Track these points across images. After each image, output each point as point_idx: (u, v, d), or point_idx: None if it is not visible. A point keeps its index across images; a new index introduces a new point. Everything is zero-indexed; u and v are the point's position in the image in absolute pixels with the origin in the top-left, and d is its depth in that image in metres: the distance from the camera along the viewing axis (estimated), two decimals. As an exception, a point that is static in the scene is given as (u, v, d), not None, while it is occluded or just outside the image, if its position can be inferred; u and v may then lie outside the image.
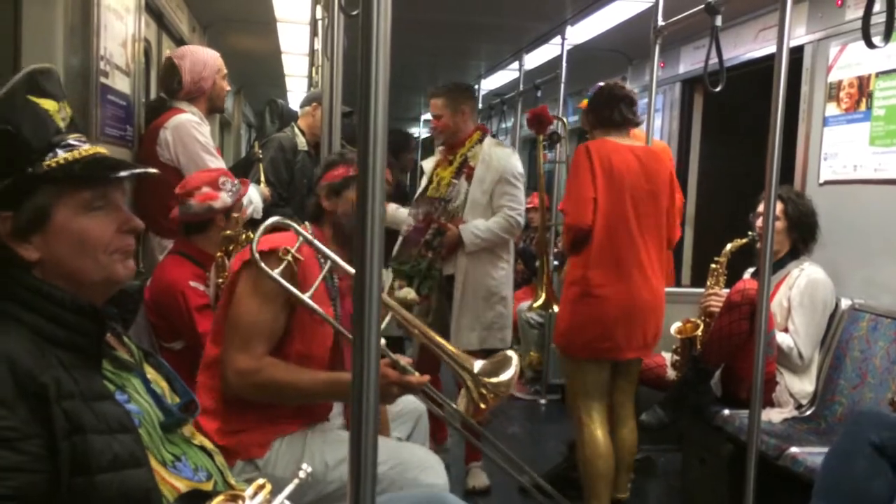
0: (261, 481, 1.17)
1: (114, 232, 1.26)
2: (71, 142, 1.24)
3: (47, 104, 1.23)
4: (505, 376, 1.87)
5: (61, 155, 1.21)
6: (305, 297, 1.86)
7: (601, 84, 3.05)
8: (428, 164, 3.59)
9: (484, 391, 1.85)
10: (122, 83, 2.86)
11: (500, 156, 3.34)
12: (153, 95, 3.65)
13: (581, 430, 2.94)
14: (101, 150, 1.29)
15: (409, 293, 3.17)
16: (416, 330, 1.91)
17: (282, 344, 1.93)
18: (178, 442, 1.33)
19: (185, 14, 4.41)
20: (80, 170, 1.22)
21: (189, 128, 2.94)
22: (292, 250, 1.90)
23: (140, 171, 1.34)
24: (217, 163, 2.96)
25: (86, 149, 1.24)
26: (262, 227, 1.89)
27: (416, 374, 1.88)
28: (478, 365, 1.88)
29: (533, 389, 5.04)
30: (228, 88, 3.26)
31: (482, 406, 1.87)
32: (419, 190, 3.56)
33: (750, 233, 3.24)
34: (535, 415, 4.81)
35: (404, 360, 1.87)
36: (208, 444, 1.44)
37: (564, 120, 4.63)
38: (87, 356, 1.19)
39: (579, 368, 2.95)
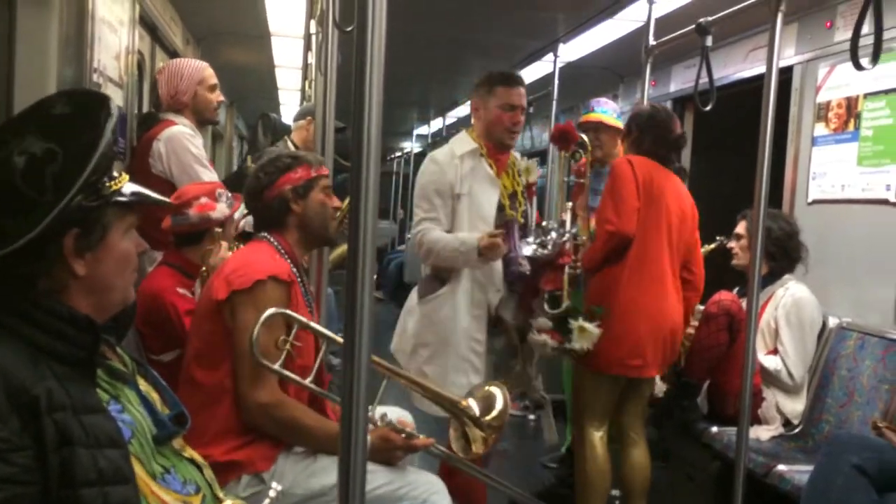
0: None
1: (135, 254, 1.33)
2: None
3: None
4: (499, 407, 1.99)
5: (116, 179, 1.26)
6: (311, 323, 1.90)
7: (664, 113, 3.03)
8: (448, 161, 2.83)
9: (487, 431, 1.97)
10: (115, 95, 2.86)
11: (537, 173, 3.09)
12: (146, 108, 3.65)
13: (584, 445, 2.93)
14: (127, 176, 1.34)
15: (591, 331, 2.75)
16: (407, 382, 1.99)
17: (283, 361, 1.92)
18: (168, 454, 1.33)
19: (179, 27, 4.42)
20: (130, 194, 1.28)
21: (182, 139, 2.93)
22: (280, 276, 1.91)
23: (163, 201, 1.46)
24: (210, 175, 2.96)
25: (121, 177, 1.29)
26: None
27: (421, 437, 1.97)
28: (473, 407, 1.98)
29: (522, 405, 5.03)
30: (221, 100, 3.22)
31: (486, 445, 1.98)
32: (476, 203, 2.83)
33: (718, 238, 3.28)
34: (524, 431, 4.80)
35: (409, 427, 1.94)
36: (198, 458, 1.43)
37: (585, 138, 4.65)
38: (83, 368, 1.20)
39: (596, 383, 2.91)
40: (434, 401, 2.07)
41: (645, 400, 3.04)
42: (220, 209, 2.53)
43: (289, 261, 2.04)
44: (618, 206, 2.81)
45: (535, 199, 3.02)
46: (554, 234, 2.81)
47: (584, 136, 4.49)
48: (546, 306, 2.74)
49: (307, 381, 1.89)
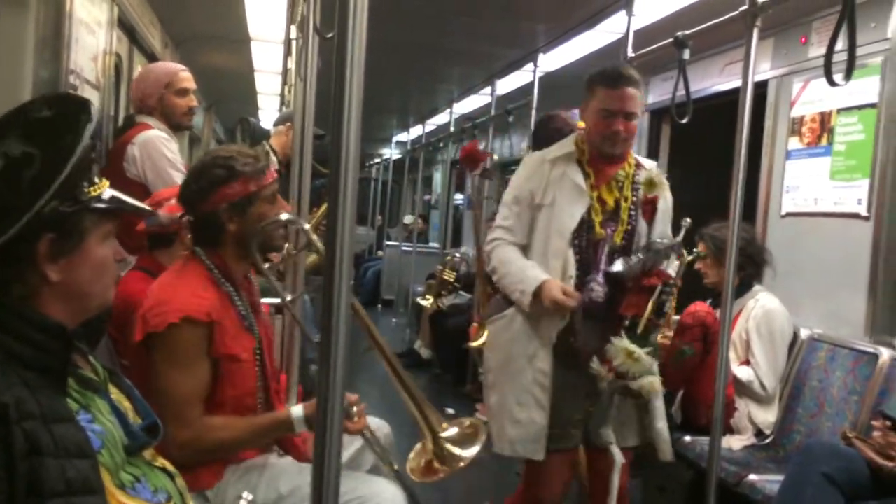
0: None
1: (114, 261, 1.32)
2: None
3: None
4: (467, 453, 1.99)
5: (98, 184, 1.26)
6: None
7: (543, 119, 3.11)
8: (536, 165, 2.52)
9: (439, 460, 1.96)
10: (91, 98, 2.84)
11: (668, 187, 2.57)
12: (123, 111, 3.62)
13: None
14: (107, 182, 1.33)
15: (642, 362, 2.35)
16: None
17: (214, 393, 1.89)
18: (139, 464, 1.31)
19: (158, 30, 4.39)
20: (108, 201, 1.27)
21: (157, 143, 2.90)
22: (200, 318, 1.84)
23: (143, 209, 1.44)
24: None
25: (100, 183, 1.28)
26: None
27: (359, 418, 1.98)
28: (451, 430, 1.98)
29: (498, 413, 5.02)
30: (193, 105, 3.14)
31: (433, 470, 1.98)
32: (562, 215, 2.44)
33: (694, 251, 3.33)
34: (499, 439, 4.79)
35: (351, 399, 1.90)
36: (169, 466, 1.42)
37: (494, 156, 4.72)
38: (53, 376, 1.18)
39: None
40: (415, 409, 2.03)
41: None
42: (163, 217, 2.51)
43: (222, 280, 1.95)
44: None
45: (658, 219, 2.51)
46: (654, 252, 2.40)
47: (494, 156, 4.55)
48: (623, 335, 2.36)
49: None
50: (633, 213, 2.47)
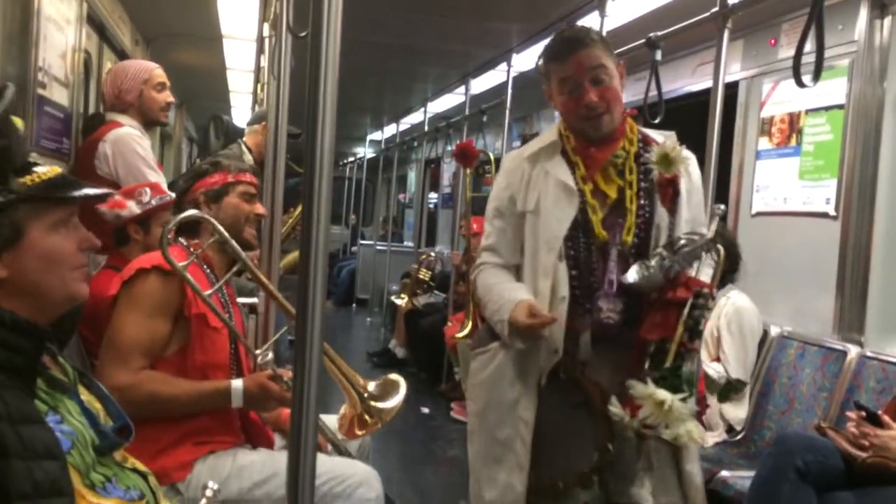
0: None
1: (75, 249, 1.27)
2: (31, 161, 1.24)
3: (18, 122, 1.23)
4: (392, 402, 1.99)
5: (36, 173, 1.21)
6: (208, 294, 1.91)
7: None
8: (513, 167, 2.06)
9: (369, 415, 1.95)
10: (60, 95, 2.80)
11: (694, 161, 2.04)
12: (93, 108, 3.57)
13: None
14: (59, 169, 1.29)
15: (679, 414, 1.73)
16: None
17: (183, 356, 1.93)
18: (110, 464, 1.30)
19: (128, 27, 4.33)
20: (49, 189, 1.22)
21: (129, 141, 2.87)
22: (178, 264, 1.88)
23: (103, 193, 1.34)
24: (157, 177, 2.90)
25: (46, 169, 1.24)
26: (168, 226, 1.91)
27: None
28: (370, 386, 1.98)
29: (473, 412, 5.03)
30: (170, 101, 3.15)
31: (361, 430, 1.97)
32: (551, 215, 1.96)
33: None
34: (474, 438, 4.80)
35: (287, 376, 1.89)
36: (141, 466, 1.40)
37: (490, 154, 4.76)
38: (21, 377, 1.16)
39: None
40: (335, 373, 2.02)
41: None
42: (130, 207, 2.49)
43: (202, 264, 2.03)
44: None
45: (683, 205, 1.94)
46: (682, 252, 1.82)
47: (491, 154, 4.58)
48: (647, 363, 1.81)
49: (207, 293, 1.91)
50: (643, 202, 1.94)
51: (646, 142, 2.01)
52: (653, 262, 1.82)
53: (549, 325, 1.84)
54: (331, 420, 2.19)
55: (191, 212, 2.00)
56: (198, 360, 1.93)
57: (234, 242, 1.99)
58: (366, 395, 1.98)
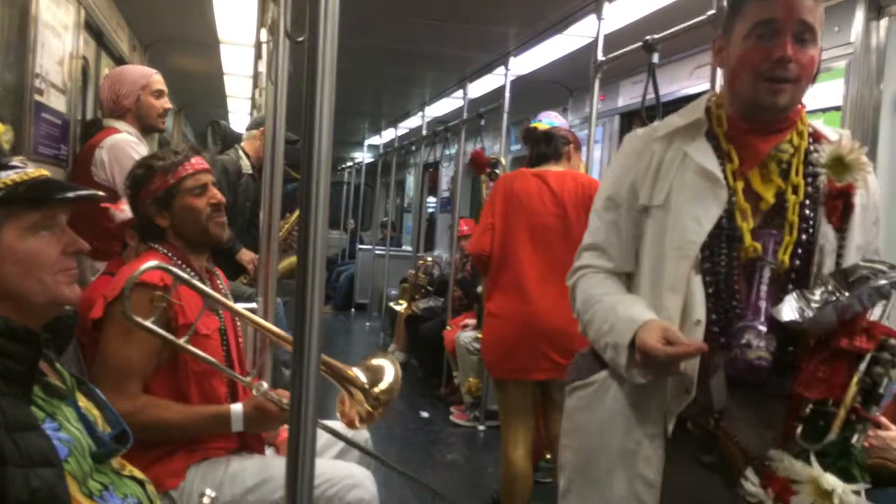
0: None
1: (59, 253, 1.26)
2: (15, 164, 1.22)
3: None
4: (390, 380, 1.92)
5: (8, 177, 1.21)
6: (182, 342, 1.84)
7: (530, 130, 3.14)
8: (639, 148, 1.62)
9: (376, 403, 1.90)
10: (57, 101, 2.80)
11: (871, 169, 1.57)
12: (91, 114, 3.57)
13: (502, 449, 2.97)
14: (46, 172, 1.27)
15: None
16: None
17: (176, 366, 1.91)
18: (108, 472, 1.29)
19: (126, 33, 4.34)
20: (24, 192, 1.21)
21: (126, 147, 2.87)
22: (167, 295, 1.84)
23: (86, 194, 1.32)
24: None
25: (31, 171, 1.23)
26: (134, 274, 1.80)
27: None
28: (361, 376, 1.93)
29: (472, 416, 5.04)
30: (168, 107, 3.15)
31: (368, 421, 1.91)
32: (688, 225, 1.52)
33: None
34: (473, 442, 4.81)
35: (286, 397, 1.87)
36: (139, 474, 1.40)
37: (502, 159, 4.80)
38: (18, 383, 1.16)
39: (500, 388, 3.02)
40: (331, 377, 1.99)
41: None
42: (125, 210, 2.47)
43: (183, 267, 1.99)
44: (478, 225, 3.03)
45: (856, 225, 1.50)
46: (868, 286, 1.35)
47: (502, 160, 4.63)
48: (799, 429, 1.35)
49: (182, 341, 1.82)
50: (809, 214, 1.50)
51: (816, 138, 1.56)
52: (817, 295, 1.38)
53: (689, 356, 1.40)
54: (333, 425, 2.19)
55: (149, 264, 1.85)
56: (191, 369, 1.92)
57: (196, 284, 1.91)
58: (369, 388, 1.95)
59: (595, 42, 3.53)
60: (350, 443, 2.16)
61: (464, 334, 5.07)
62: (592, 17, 3.60)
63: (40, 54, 2.49)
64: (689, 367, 1.44)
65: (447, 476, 4.01)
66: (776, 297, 1.44)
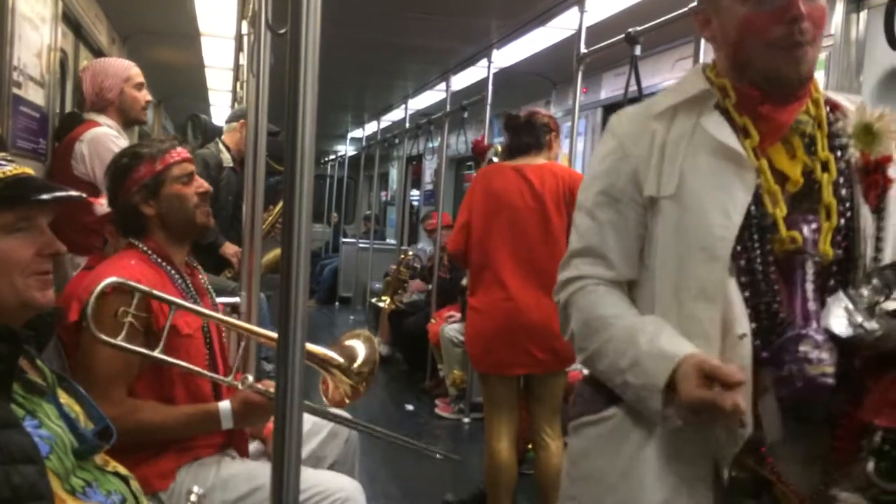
0: None
1: (33, 255, 1.23)
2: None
3: None
4: (363, 355, 1.94)
5: None
6: (158, 353, 1.79)
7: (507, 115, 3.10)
8: (636, 129, 1.35)
9: (359, 378, 1.92)
10: (35, 95, 2.76)
11: None
12: (69, 107, 3.53)
13: (487, 441, 2.98)
14: (28, 170, 1.25)
15: None
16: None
17: (162, 370, 1.86)
18: (90, 469, 1.28)
19: (105, 25, 4.29)
20: (4, 189, 1.19)
21: (106, 141, 2.84)
22: (130, 311, 1.76)
23: (65, 195, 1.30)
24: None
25: (10, 169, 1.21)
26: (95, 291, 1.73)
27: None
28: (337, 356, 1.93)
29: (456, 408, 5.05)
30: (149, 99, 3.13)
31: (357, 394, 1.94)
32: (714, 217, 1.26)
33: None
34: (458, 434, 4.82)
35: (270, 387, 1.85)
36: (122, 470, 1.39)
37: (498, 146, 4.82)
38: None
39: (484, 381, 3.04)
40: (316, 366, 1.98)
41: (553, 400, 2.98)
42: (103, 204, 2.46)
43: (161, 262, 1.95)
44: (455, 224, 3.05)
45: (890, 204, 1.28)
46: None
47: (498, 146, 4.66)
48: (871, 465, 1.10)
49: (157, 352, 1.77)
50: (845, 194, 1.27)
51: (833, 106, 1.35)
52: (865, 295, 1.16)
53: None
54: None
55: (106, 281, 1.75)
56: (176, 371, 1.88)
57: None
58: (348, 366, 1.94)
59: (578, 34, 3.54)
60: (337, 419, 2.13)
61: (448, 327, 5.07)
62: (575, 10, 3.60)
63: (18, 47, 2.46)
64: (742, 399, 1.13)
65: (432, 468, 4.01)
66: (820, 299, 1.21)
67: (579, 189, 1.43)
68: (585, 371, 1.48)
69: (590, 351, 1.31)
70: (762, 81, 1.27)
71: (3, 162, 1.23)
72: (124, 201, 1.96)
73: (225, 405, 1.87)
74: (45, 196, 1.25)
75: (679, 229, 1.26)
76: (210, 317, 1.91)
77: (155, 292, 1.80)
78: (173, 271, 1.97)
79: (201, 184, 2.05)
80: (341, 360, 1.94)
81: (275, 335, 1.44)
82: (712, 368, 1.13)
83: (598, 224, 1.34)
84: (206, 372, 1.88)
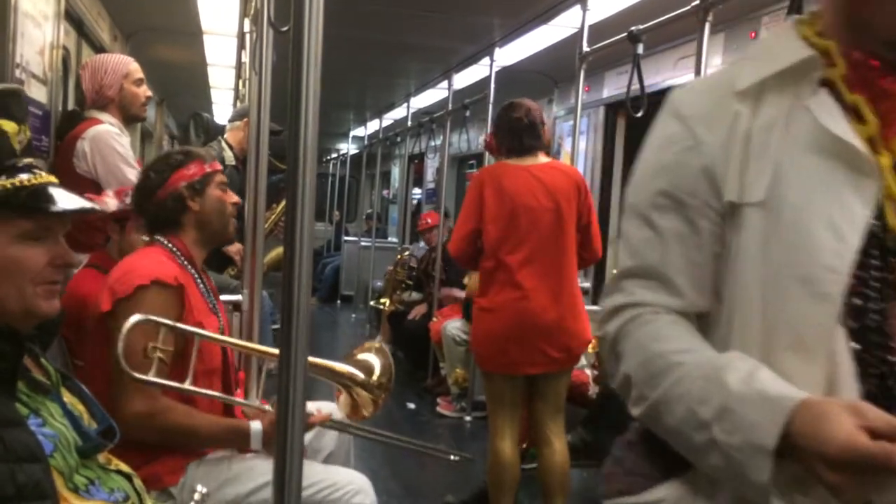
0: None
1: (45, 264, 1.23)
2: (22, 166, 1.20)
3: (7, 125, 1.20)
4: (379, 367, 1.99)
5: (8, 180, 1.18)
6: (188, 384, 1.81)
7: (503, 108, 3.03)
8: (711, 108, 1.00)
9: (377, 392, 1.97)
10: (38, 92, 2.76)
11: None
12: (71, 105, 3.53)
13: (490, 439, 2.98)
14: (52, 178, 1.25)
15: None
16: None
17: (186, 367, 1.86)
18: (94, 467, 1.29)
19: (107, 22, 4.29)
20: (25, 198, 1.19)
21: (108, 138, 2.84)
22: (158, 346, 1.77)
23: (88, 209, 1.30)
24: (137, 174, 2.88)
25: (35, 177, 1.21)
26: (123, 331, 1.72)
27: (315, 412, 2.00)
28: (355, 372, 1.98)
29: (458, 407, 5.05)
30: (149, 95, 3.12)
31: (376, 406, 2.00)
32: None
33: None
34: (460, 432, 4.82)
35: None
36: (125, 468, 1.39)
37: None
38: (1, 381, 1.15)
39: (488, 379, 3.02)
40: (319, 374, 2.01)
41: (557, 399, 3.00)
42: (108, 203, 2.45)
43: (186, 263, 1.98)
44: (457, 228, 3.01)
45: None
46: None
47: None
48: None
49: (186, 384, 1.79)
50: None
51: None
52: None
53: None
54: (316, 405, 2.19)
55: (133, 319, 1.74)
56: (197, 369, 1.87)
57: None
58: (367, 381, 1.98)
59: (580, 33, 3.54)
60: (358, 431, 2.17)
61: (450, 325, 5.07)
62: (577, 8, 3.60)
63: (20, 44, 2.46)
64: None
65: (434, 465, 4.02)
66: None
67: (629, 187, 1.09)
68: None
69: (651, 400, 0.94)
70: (884, 47, 0.92)
71: (27, 168, 1.22)
72: (169, 194, 1.99)
73: (256, 426, 1.88)
74: (66, 208, 1.24)
75: (770, 249, 0.91)
76: (227, 343, 1.96)
77: (179, 325, 1.81)
78: (195, 273, 2.01)
79: (233, 196, 2.13)
80: (362, 375, 1.97)
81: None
82: (878, 416, 0.80)
83: (657, 235, 0.99)
84: (235, 399, 1.93)
